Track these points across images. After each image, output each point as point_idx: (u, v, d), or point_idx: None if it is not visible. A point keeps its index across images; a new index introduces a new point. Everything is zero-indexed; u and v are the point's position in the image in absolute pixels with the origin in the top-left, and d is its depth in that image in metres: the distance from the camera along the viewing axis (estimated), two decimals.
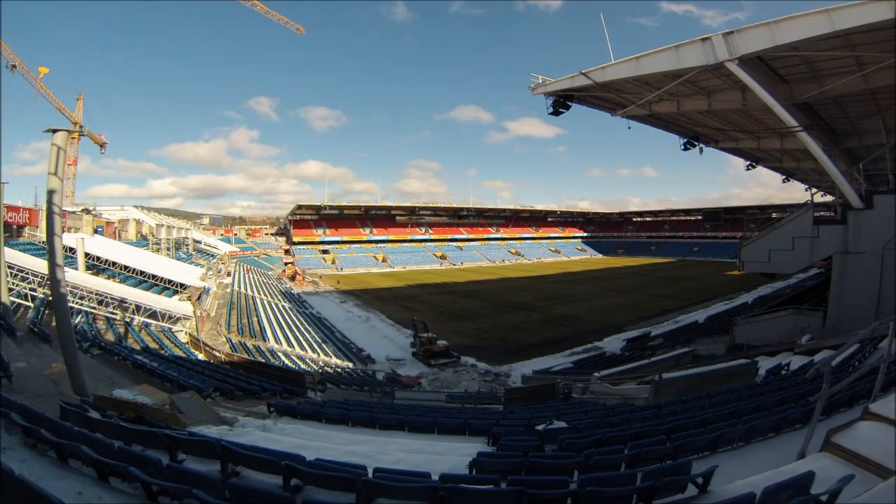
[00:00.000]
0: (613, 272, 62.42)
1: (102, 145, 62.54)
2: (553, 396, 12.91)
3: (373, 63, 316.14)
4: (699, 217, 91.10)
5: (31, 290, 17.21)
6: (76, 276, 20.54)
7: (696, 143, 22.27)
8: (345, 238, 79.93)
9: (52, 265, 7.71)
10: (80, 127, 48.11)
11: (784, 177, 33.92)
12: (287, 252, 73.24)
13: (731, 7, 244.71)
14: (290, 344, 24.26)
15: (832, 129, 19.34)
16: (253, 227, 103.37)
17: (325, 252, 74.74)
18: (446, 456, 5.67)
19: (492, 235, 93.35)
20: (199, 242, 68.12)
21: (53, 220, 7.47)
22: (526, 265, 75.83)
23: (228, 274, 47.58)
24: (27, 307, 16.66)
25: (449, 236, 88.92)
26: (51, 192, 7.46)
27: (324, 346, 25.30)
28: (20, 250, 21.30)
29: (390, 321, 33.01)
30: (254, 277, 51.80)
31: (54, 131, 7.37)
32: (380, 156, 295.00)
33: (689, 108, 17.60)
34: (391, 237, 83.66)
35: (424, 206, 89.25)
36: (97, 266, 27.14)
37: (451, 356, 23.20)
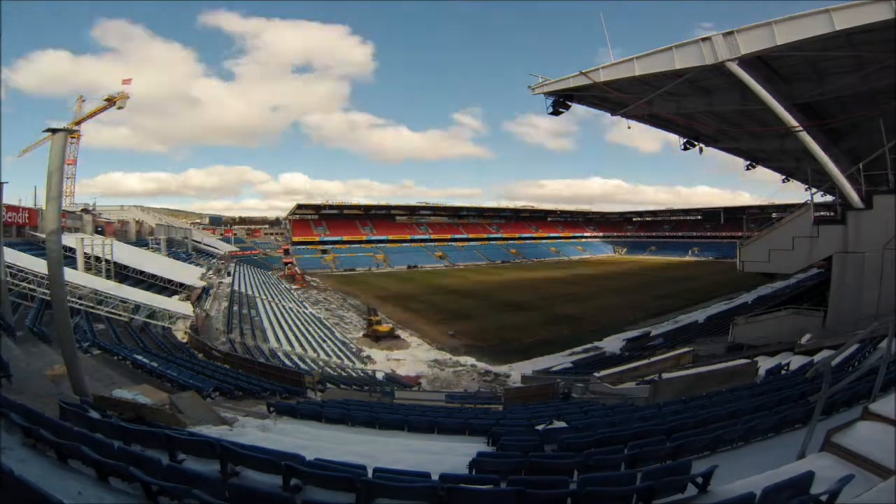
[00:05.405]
0: (613, 272, 62.39)
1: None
2: (553, 396, 12.90)
3: None
4: (699, 217, 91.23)
5: (31, 290, 17.21)
6: (76, 276, 20.53)
7: (695, 143, 22.24)
8: (345, 238, 79.91)
9: (52, 265, 7.72)
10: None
11: (784, 177, 33.90)
12: (286, 252, 73.08)
13: None
14: (290, 344, 24.25)
15: (832, 129, 19.31)
16: (253, 226, 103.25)
17: (324, 252, 74.74)
18: (446, 456, 5.67)
19: (492, 235, 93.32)
20: (200, 242, 68.08)
21: (53, 220, 7.48)
22: (526, 265, 75.83)
23: (228, 274, 47.59)
24: (27, 307, 16.66)
25: (449, 236, 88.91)
26: (50, 192, 7.47)
27: (324, 346, 25.30)
28: (20, 250, 21.29)
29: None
30: (254, 277, 51.80)
31: (54, 131, 7.37)
32: None
33: (689, 107, 17.58)
34: (391, 237, 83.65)
35: (424, 206, 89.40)
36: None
37: (395, 336, 27.25)
